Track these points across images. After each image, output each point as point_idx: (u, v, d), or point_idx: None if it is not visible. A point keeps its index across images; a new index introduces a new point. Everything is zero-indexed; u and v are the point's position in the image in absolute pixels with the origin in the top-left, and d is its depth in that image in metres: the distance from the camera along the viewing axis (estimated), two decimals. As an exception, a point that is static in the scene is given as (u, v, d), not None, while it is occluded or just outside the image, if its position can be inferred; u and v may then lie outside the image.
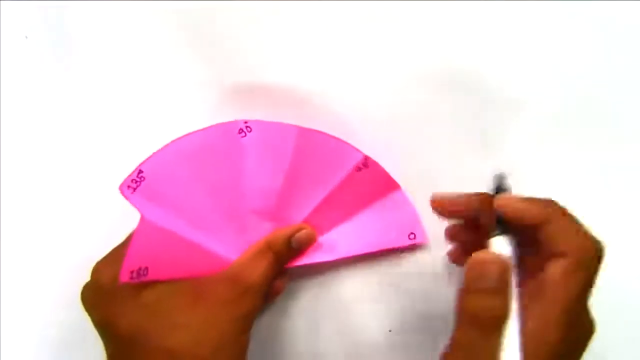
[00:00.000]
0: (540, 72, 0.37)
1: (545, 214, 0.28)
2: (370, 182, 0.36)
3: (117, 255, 0.32)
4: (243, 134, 0.34)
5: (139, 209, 0.31)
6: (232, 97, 0.38)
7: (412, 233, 0.36)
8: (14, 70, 0.39)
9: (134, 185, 0.32)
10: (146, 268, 0.31)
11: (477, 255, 0.27)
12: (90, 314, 0.31)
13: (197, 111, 0.38)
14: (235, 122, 0.34)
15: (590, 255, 0.27)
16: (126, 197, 0.31)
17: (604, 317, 0.29)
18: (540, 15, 0.37)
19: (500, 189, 0.30)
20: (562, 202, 0.29)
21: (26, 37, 0.39)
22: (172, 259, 0.31)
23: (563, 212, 0.28)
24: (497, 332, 0.26)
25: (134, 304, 0.30)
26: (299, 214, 0.36)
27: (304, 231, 0.35)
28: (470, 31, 0.37)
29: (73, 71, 0.39)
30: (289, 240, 0.34)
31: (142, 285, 0.31)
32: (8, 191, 0.38)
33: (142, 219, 0.31)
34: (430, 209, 0.33)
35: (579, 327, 0.27)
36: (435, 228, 0.35)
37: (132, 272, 0.30)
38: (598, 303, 0.28)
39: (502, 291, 0.26)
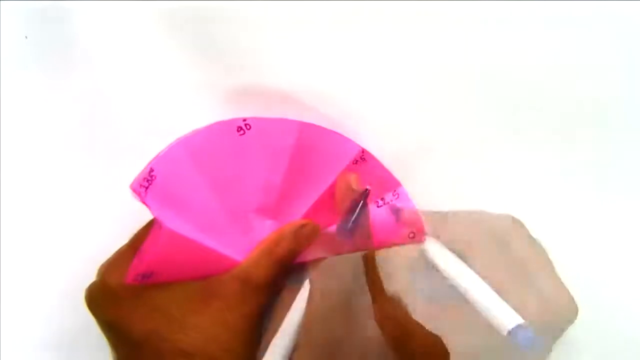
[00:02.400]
0: (540, 73, 0.37)
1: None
2: (368, 177, 0.36)
3: (123, 256, 0.32)
4: (242, 132, 0.34)
5: (153, 211, 0.31)
6: (234, 98, 0.38)
7: (411, 232, 0.36)
8: (14, 70, 0.39)
9: (146, 184, 0.31)
10: (152, 271, 0.31)
11: None
12: (97, 316, 0.31)
13: (198, 111, 0.38)
14: (233, 120, 0.34)
15: None
16: (140, 197, 0.30)
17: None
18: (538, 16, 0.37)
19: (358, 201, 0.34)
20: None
21: (26, 37, 0.39)
22: (178, 261, 0.31)
23: None
24: None
25: (145, 306, 0.30)
26: (299, 210, 0.36)
27: (308, 226, 0.35)
28: (472, 30, 0.37)
29: (73, 71, 0.39)
30: (295, 236, 0.34)
31: (153, 287, 0.31)
32: (9, 192, 0.38)
33: (157, 224, 0.30)
34: (429, 206, 0.33)
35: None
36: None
37: (137, 274, 0.30)
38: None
39: None
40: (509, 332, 0.26)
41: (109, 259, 0.32)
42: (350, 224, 0.32)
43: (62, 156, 0.39)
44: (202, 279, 0.32)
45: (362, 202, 0.33)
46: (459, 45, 0.37)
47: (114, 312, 0.31)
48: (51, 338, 0.38)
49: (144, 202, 0.30)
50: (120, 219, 0.34)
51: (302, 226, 0.35)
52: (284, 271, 0.33)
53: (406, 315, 0.30)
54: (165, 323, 0.30)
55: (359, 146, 0.36)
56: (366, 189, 0.33)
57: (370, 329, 0.29)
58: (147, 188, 0.31)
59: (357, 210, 0.33)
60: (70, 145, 0.39)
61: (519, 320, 0.26)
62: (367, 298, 0.31)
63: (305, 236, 0.35)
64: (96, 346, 0.33)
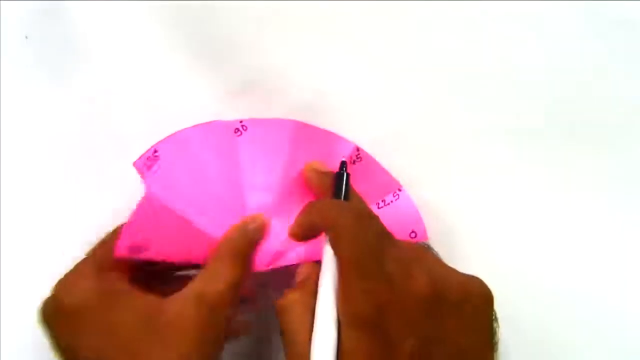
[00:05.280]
0: (535, 71, 0.37)
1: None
2: (368, 177, 0.36)
3: (79, 272, 0.30)
4: (239, 133, 0.35)
5: (147, 184, 0.32)
6: (233, 97, 0.38)
7: (413, 231, 0.36)
8: (14, 70, 0.39)
9: (149, 163, 0.32)
10: (142, 246, 0.30)
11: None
12: (48, 333, 0.30)
13: (197, 110, 0.38)
14: (231, 122, 0.35)
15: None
16: (141, 174, 0.32)
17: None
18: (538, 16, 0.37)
19: (341, 172, 0.33)
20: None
21: (26, 37, 0.39)
22: (169, 238, 0.31)
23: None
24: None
25: (95, 327, 0.29)
26: (297, 209, 0.36)
27: (257, 222, 0.32)
28: (469, 28, 0.37)
29: (73, 71, 0.39)
30: (244, 234, 0.31)
31: (106, 306, 0.29)
32: (9, 192, 0.38)
33: (146, 194, 0.31)
34: (431, 206, 0.33)
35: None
36: (435, 226, 0.35)
37: (127, 247, 0.30)
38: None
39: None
40: None
41: (65, 274, 0.31)
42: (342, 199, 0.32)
43: (61, 156, 0.39)
44: (160, 298, 0.29)
45: (345, 174, 0.32)
46: (460, 46, 0.37)
47: (65, 330, 0.29)
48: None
49: (143, 179, 0.32)
50: (119, 218, 0.34)
51: (251, 222, 0.32)
52: (242, 277, 0.30)
53: (437, 263, 0.28)
54: (113, 348, 0.28)
55: (353, 144, 0.36)
56: (343, 161, 0.33)
57: (415, 284, 0.26)
58: (149, 167, 0.32)
59: (344, 183, 0.32)
60: (70, 144, 0.39)
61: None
62: (400, 249, 0.28)
63: (255, 231, 0.32)
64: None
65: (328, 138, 0.36)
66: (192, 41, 0.38)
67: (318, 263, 0.29)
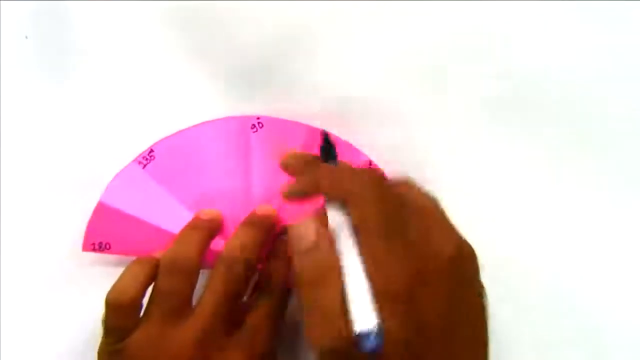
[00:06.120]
0: (539, 64, 0.37)
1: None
2: None
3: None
4: (255, 130, 0.35)
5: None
6: (234, 98, 0.38)
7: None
8: (14, 70, 0.39)
9: (144, 162, 0.35)
10: (108, 243, 0.35)
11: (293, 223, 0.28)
12: None
13: (197, 109, 0.38)
14: (248, 117, 0.35)
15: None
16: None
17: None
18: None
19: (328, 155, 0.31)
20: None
21: (26, 37, 0.39)
22: (131, 239, 0.35)
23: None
24: (328, 283, 0.26)
25: None
26: (300, 215, 0.36)
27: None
28: (470, 27, 0.38)
29: (73, 71, 0.39)
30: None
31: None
32: (9, 193, 0.38)
33: (99, 202, 0.35)
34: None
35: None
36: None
37: (92, 244, 0.35)
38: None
39: (319, 246, 0.27)
40: (357, 335, 0.24)
41: None
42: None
43: (62, 156, 0.39)
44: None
45: (331, 145, 0.31)
46: (460, 47, 0.37)
47: None
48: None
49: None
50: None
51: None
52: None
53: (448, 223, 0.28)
54: None
55: (366, 156, 0.36)
56: (324, 131, 0.32)
57: (437, 250, 0.26)
58: (145, 165, 0.35)
59: (331, 147, 0.31)
60: (70, 145, 0.39)
61: (369, 325, 0.24)
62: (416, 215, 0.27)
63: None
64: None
65: (342, 147, 0.35)
66: (193, 41, 0.38)
67: None
